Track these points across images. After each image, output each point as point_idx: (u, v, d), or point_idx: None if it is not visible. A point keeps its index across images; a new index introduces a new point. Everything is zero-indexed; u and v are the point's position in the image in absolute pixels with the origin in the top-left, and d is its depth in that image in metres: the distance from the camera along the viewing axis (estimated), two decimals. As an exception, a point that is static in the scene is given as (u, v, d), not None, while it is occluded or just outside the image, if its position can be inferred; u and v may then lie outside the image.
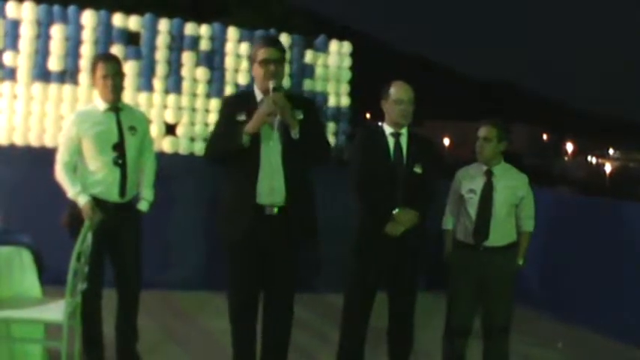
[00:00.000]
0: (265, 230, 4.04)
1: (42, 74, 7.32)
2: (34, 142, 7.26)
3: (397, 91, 4.60)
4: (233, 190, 4.12)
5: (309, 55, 8.16)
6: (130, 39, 7.64)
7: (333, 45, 8.28)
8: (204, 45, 7.78)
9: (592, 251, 6.96)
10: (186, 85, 7.72)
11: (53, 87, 7.35)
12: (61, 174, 4.62)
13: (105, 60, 4.76)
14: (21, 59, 7.28)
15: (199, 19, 8.10)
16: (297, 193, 4.07)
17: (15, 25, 7.27)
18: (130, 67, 7.33)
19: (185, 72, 7.72)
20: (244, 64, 7.77)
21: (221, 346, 4.73)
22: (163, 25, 7.68)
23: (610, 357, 6.24)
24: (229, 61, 7.85)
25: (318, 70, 8.18)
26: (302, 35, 8.33)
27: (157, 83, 7.63)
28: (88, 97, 7.17)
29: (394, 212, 4.45)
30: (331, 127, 8.19)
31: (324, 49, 8.25)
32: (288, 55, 7.93)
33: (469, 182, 4.85)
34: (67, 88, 7.36)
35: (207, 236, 6.92)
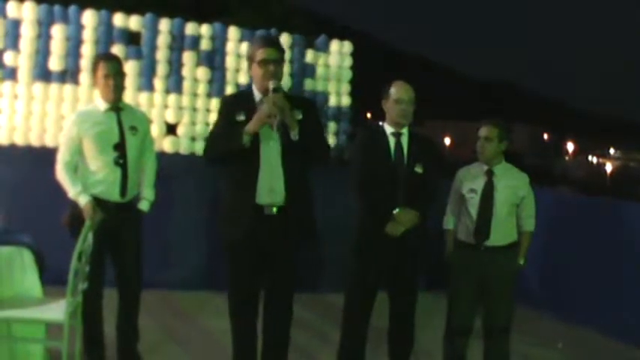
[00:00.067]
0: (265, 230, 4.04)
1: (43, 74, 7.32)
2: (34, 142, 7.26)
3: (397, 90, 4.60)
4: (233, 191, 4.13)
5: (309, 55, 8.16)
6: (131, 39, 7.64)
7: (334, 45, 8.29)
8: (204, 45, 7.78)
9: (592, 251, 6.96)
10: (187, 84, 7.72)
11: (54, 87, 7.35)
12: (61, 174, 4.62)
13: (106, 60, 4.76)
14: (22, 59, 7.28)
15: (200, 19, 8.09)
16: (297, 194, 4.08)
17: (16, 24, 7.27)
18: (130, 67, 7.33)
19: (186, 72, 7.72)
20: (245, 64, 7.77)
21: (221, 345, 4.73)
22: (164, 24, 7.68)
23: (610, 357, 6.24)
24: (230, 61, 7.85)
25: (319, 70, 8.18)
26: (303, 35, 8.33)
27: (158, 83, 7.63)
28: (88, 96, 7.17)
29: (394, 212, 4.45)
30: (332, 126, 8.19)
31: (324, 48, 8.25)
32: (288, 55, 7.95)
33: (470, 182, 4.86)
34: (68, 87, 7.37)
35: (207, 236, 6.92)
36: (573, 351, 6.25)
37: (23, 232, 4.67)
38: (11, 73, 7.26)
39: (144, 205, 4.83)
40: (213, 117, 7.55)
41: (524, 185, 4.89)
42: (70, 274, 4.07)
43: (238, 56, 7.83)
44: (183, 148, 7.65)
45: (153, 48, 7.61)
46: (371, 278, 4.58)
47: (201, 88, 7.78)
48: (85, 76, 7.32)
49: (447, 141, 73.60)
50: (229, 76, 7.85)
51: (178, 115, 7.70)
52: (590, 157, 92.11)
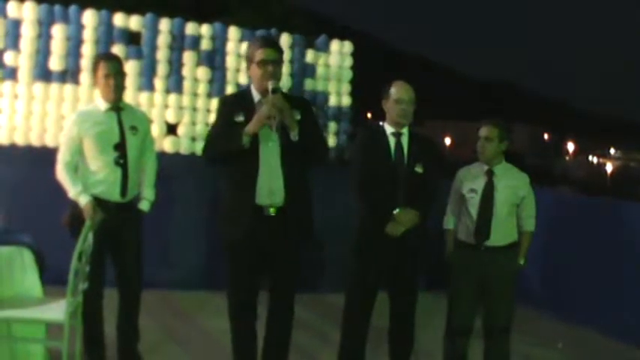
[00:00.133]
0: (265, 231, 4.05)
1: (43, 74, 7.32)
2: (35, 141, 7.26)
3: (397, 90, 4.60)
4: (232, 191, 4.13)
5: (310, 55, 8.16)
6: (131, 39, 7.64)
7: (334, 45, 8.28)
8: (205, 45, 7.78)
9: (593, 251, 6.96)
10: (187, 84, 7.72)
11: (54, 87, 7.35)
12: (62, 174, 4.62)
13: (106, 59, 4.76)
14: (22, 59, 7.28)
15: (200, 19, 8.09)
16: (296, 194, 4.08)
17: (16, 24, 7.27)
18: (131, 67, 7.33)
19: (186, 71, 7.72)
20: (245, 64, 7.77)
21: (221, 345, 4.73)
22: (164, 24, 7.68)
23: (610, 357, 6.24)
24: (230, 61, 7.85)
25: (319, 70, 8.18)
26: (303, 35, 8.33)
27: (158, 83, 7.63)
28: (89, 96, 7.17)
29: (395, 212, 4.45)
30: (332, 126, 8.19)
31: (325, 48, 8.25)
32: (289, 55, 7.96)
33: (470, 182, 4.86)
34: (68, 87, 7.37)
35: (207, 236, 6.92)
36: (573, 351, 6.25)
37: (23, 232, 4.67)
38: (12, 73, 7.26)
39: (144, 205, 4.83)
40: (213, 117, 7.54)
41: (525, 185, 4.89)
42: (70, 274, 4.07)
43: (238, 56, 7.83)
44: (184, 148, 7.65)
45: (153, 48, 7.61)
46: (371, 278, 4.58)
47: (202, 88, 7.78)
48: (85, 76, 7.32)
49: (448, 141, 73.60)
50: (229, 76, 7.85)
51: (179, 115, 7.70)
52: (590, 157, 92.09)
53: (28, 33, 7.27)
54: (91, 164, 4.63)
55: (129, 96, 7.14)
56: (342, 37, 8.48)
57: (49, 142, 7.21)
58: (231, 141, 3.98)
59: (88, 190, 4.58)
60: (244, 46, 7.80)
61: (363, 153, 4.63)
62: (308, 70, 8.14)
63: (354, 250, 4.62)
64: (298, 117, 4.04)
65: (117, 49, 7.27)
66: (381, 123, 4.78)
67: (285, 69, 7.89)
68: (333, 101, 8.25)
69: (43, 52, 7.33)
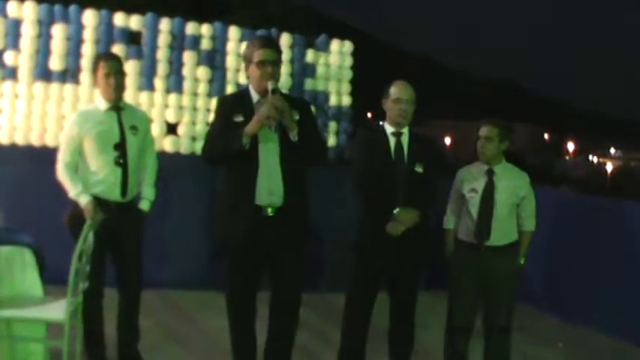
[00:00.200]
0: (264, 231, 4.05)
1: (43, 74, 7.32)
2: (35, 141, 7.26)
3: (397, 90, 4.61)
4: (232, 191, 4.12)
5: (310, 55, 8.15)
6: (132, 38, 7.63)
7: (334, 44, 8.28)
8: (205, 44, 7.78)
9: (593, 251, 6.97)
10: (187, 84, 7.72)
11: (54, 86, 7.34)
12: (62, 174, 4.63)
13: (106, 59, 4.77)
14: (22, 58, 7.28)
15: (200, 19, 8.09)
16: (295, 194, 4.08)
17: (16, 24, 7.27)
18: (131, 67, 7.33)
19: (186, 71, 7.72)
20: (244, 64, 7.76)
21: (221, 345, 4.73)
22: (164, 24, 7.68)
23: (610, 356, 6.24)
24: (230, 61, 7.84)
25: (320, 70, 8.18)
26: (303, 35, 8.32)
27: (158, 82, 7.63)
28: (89, 96, 7.17)
29: (395, 212, 4.45)
30: (332, 126, 8.19)
31: (325, 48, 8.24)
32: (289, 55, 7.95)
33: (470, 182, 4.86)
34: (69, 87, 7.36)
35: (207, 236, 6.92)
36: (573, 350, 6.25)
37: (24, 232, 4.67)
38: (12, 73, 7.26)
39: (144, 205, 4.84)
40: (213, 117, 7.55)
41: (525, 185, 4.90)
42: (70, 273, 4.08)
43: (239, 56, 7.83)
44: (184, 148, 7.65)
45: (153, 47, 7.60)
46: (371, 278, 4.59)
47: (202, 88, 7.77)
48: (85, 76, 7.32)
49: (448, 141, 73.58)
50: (230, 75, 7.85)
51: (179, 114, 7.70)
52: (590, 157, 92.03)
53: (28, 32, 7.27)
54: (91, 164, 4.63)
55: (129, 96, 7.13)
56: (342, 37, 8.47)
57: (50, 142, 7.21)
58: (231, 141, 3.98)
59: (88, 190, 4.59)
60: (244, 45, 7.80)
61: (363, 152, 4.64)
62: (308, 70, 8.14)
63: (354, 249, 4.62)
64: (297, 117, 4.05)
65: (117, 49, 7.26)
66: (381, 123, 4.79)
67: (286, 69, 7.89)
68: (333, 101, 8.24)
69: (43, 51, 7.33)
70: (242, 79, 7.81)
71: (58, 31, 7.34)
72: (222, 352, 4.75)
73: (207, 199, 6.67)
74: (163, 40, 7.64)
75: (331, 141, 8.11)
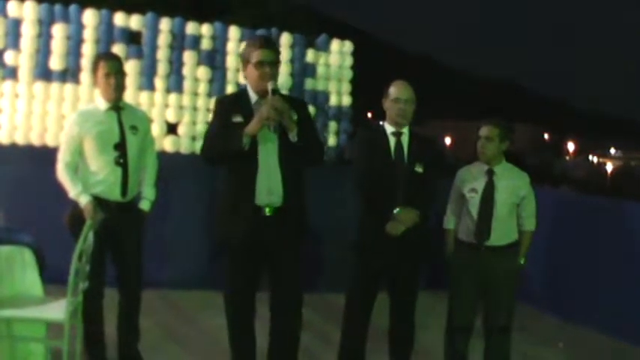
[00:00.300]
0: (264, 231, 4.05)
1: (43, 73, 7.32)
2: (35, 141, 7.26)
3: (396, 90, 4.61)
4: (231, 191, 4.12)
5: (310, 55, 8.15)
6: (132, 38, 7.63)
7: (335, 44, 8.28)
8: (205, 44, 7.78)
9: (593, 251, 6.97)
10: (187, 84, 7.72)
11: (55, 86, 7.35)
12: (62, 174, 4.63)
13: (106, 58, 4.77)
14: (22, 58, 7.28)
15: (201, 19, 8.09)
16: (294, 194, 4.08)
17: (16, 24, 7.27)
18: (131, 66, 7.33)
19: (186, 71, 7.72)
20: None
21: (221, 345, 4.73)
22: (165, 24, 7.68)
23: (610, 356, 6.24)
24: (231, 61, 7.84)
25: (320, 70, 8.18)
26: (303, 34, 8.32)
27: (159, 82, 7.63)
28: (89, 96, 7.17)
29: (395, 212, 4.46)
30: (333, 126, 8.19)
31: (325, 48, 8.24)
32: (289, 55, 7.95)
33: (471, 182, 4.86)
34: (69, 87, 7.37)
35: (207, 236, 6.91)
36: (573, 350, 6.26)
37: (24, 232, 4.68)
38: (12, 73, 7.26)
39: (145, 205, 4.84)
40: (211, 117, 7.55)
41: (525, 185, 4.90)
42: (70, 273, 4.08)
43: (239, 56, 7.81)
44: (184, 148, 7.65)
45: (153, 47, 7.61)
46: (371, 278, 4.59)
47: (202, 88, 7.77)
48: (85, 76, 7.32)
49: (448, 141, 73.58)
50: (230, 75, 7.85)
51: (179, 114, 7.70)
52: (590, 157, 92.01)
53: (28, 32, 7.27)
54: (91, 164, 4.63)
55: (129, 95, 7.13)
56: (342, 37, 8.47)
57: (50, 142, 7.21)
58: (230, 142, 3.98)
59: (88, 190, 4.59)
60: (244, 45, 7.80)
61: (363, 152, 4.64)
62: (308, 70, 8.14)
63: (354, 249, 4.62)
64: (295, 117, 4.05)
65: (117, 49, 7.26)
66: (381, 123, 4.79)
67: (286, 68, 7.90)
68: (333, 101, 8.24)
69: (43, 51, 7.33)
70: (242, 79, 7.81)
71: (58, 30, 7.34)
72: (221, 352, 4.75)
73: (208, 199, 6.66)
74: (163, 39, 7.64)
75: (331, 141, 8.11)
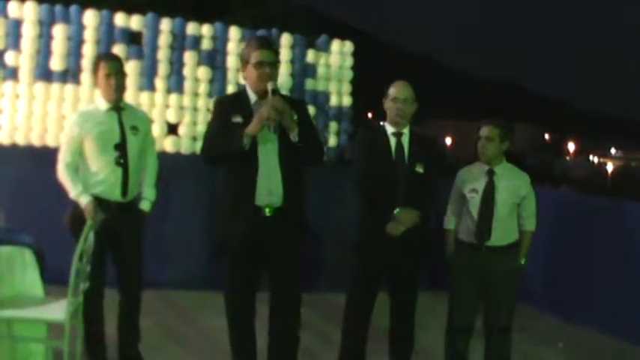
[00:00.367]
0: (264, 231, 4.05)
1: (44, 74, 7.32)
2: (36, 141, 7.27)
3: (394, 89, 4.62)
4: (231, 191, 4.12)
5: (310, 55, 8.15)
6: (132, 38, 7.64)
7: (335, 44, 8.28)
8: (205, 44, 7.78)
9: (593, 251, 6.97)
10: (188, 84, 7.72)
11: (55, 87, 7.35)
12: (63, 174, 4.63)
13: (107, 59, 4.77)
14: (23, 59, 7.28)
15: (201, 19, 8.09)
16: (294, 194, 4.08)
17: (17, 24, 7.27)
18: (131, 67, 7.33)
19: (187, 71, 7.72)
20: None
21: (221, 345, 4.73)
22: (165, 24, 7.68)
23: (610, 356, 6.24)
24: (231, 61, 7.85)
25: (320, 70, 8.18)
26: (304, 35, 8.32)
27: (159, 83, 7.64)
28: (90, 96, 7.17)
29: (395, 212, 4.46)
30: (333, 126, 8.19)
31: (325, 48, 8.25)
32: (289, 55, 7.96)
33: (471, 182, 4.87)
34: (69, 87, 7.37)
35: (208, 236, 6.91)
36: (574, 350, 6.26)
37: (24, 232, 4.68)
38: (13, 73, 7.27)
39: (145, 205, 4.84)
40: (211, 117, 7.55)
41: (525, 185, 4.90)
42: (71, 273, 4.08)
43: (239, 56, 7.83)
44: (185, 148, 7.66)
45: (154, 48, 7.61)
46: (371, 278, 4.59)
47: (203, 88, 7.78)
48: (86, 76, 7.32)
49: (448, 141, 73.60)
50: (230, 75, 7.86)
51: (179, 114, 7.70)
52: (591, 157, 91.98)
53: (29, 33, 7.27)
54: (91, 164, 4.63)
55: (130, 96, 7.14)
56: (342, 37, 8.48)
57: (50, 142, 7.21)
58: (230, 142, 3.98)
59: (88, 190, 4.59)
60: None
61: (364, 152, 4.64)
62: (309, 70, 8.14)
63: (354, 249, 4.62)
64: (295, 117, 4.05)
65: (118, 49, 7.27)
66: (381, 123, 4.79)
67: (286, 69, 7.90)
68: (333, 101, 8.25)
69: (44, 52, 7.33)
70: (243, 80, 7.81)
71: (58, 31, 7.35)
72: (222, 352, 4.76)
73: (208, 200, 6.67)
74: (164, 40, 7.64)
75: (332, 141, 8.11)
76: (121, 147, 4.65)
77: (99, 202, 4.59)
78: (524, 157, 40.59)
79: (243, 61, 4.18)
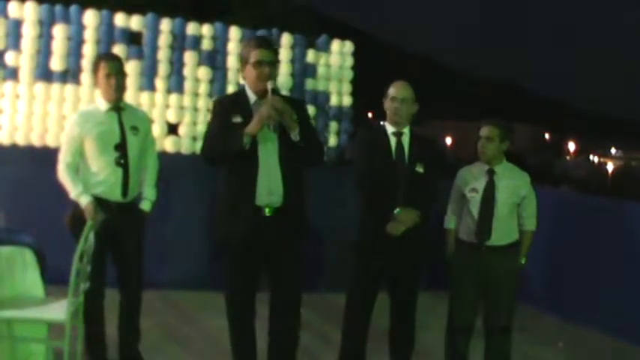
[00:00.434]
0: (264, 231, 4.05)
1: (44, 74, 7.32)
2: (36, 141, 7.27)
3: (392, 89, 4.63)
4: (232, 191, 4.12)
5: (310, 55, 8.15)
6: (132, 39, 7.63)
7: (335, 44, 8.28)
8: (206, 44, 7.78)
9: (593, 250, 6.97)
10: (188, 84, 7.72)
11: (55, 87, 7.35)
12: (63, 174, 4.63)
13: (107, 59, 4.77)
14: (23, 59, 7.28)
15: (201, 19, 8.09)
16: (294, 194, 4.09)
17: (17, 24, 7.27)
18: (132, 67, 7.33)
19: (187, 71, 7.72)
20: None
21: (221, 345, 4.74)
22: (165, 24, 7.68)
23: (611, 356, 6.24)
24: (231, 61, 7.84)
25: (320, 70, 8.18)
26: (304, 35, 8.32)
27: (159, 83, 7.63)
28: (90, 96, 7.17)
29: (395, 212, 4.46)
30: (333, 126, 8.19)
31: (325, 48, 8.25)
32: (290, 55, 7.96)
33: (471, 181, 4.87)
34: (70, 87, 7.37)
35: (208, 236, 6.92)
36: (574, 350, 6.26)
37: (24, 232, 4.68)
38: (13, 73, 7.26)
39: (145, 205, 4.84)
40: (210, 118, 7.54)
41: (526, 185, 4.90)
42: (71, 274, 4.08)
43: (238, 56, 7.82)
44: (185, 148, 7.66)
45: (154, 48, 7.61)
46: (372, 278, 4.59)
47: (203, 88, 7.78)
48: (86, 76, 7.32)
49: (448, 141, 73.61)
50: (231, 75, 7.85)
51: (180, 114, 7.70)
52: (591, 157, 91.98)
53: (29, 33, 7.27)
54: (92, 165, 4.64)
55: (130, 96, 7.13)
56: (343, 37, 8.48)
57: (50, 143, 7.21)
58: (231, 142, 3.98)
59: (89, 191, 4.59)
60: (243, 46, 7.79)
61: (364, 152, 4.64)
62: (309, 70, 8.14)
63: (354, 249, 4.63)
64: (295, 117, 4.05)
65: (118, 49, 7.27)
66: (382, 123, 4.79)
67: (286, 69, 7.91)
68: (334, 101, 8.24)
69: (44, 52, 7.33)
70: (242, 80, 7.81)
71: (58, 31, 7.34)
72: (222, 352, 4.76)
73: (208, 200, 6.67)
74: (164, 40, 7.64)
75: (332, 141, 8.11)
76: (121, 147, 4.65)
77: (99, 202, 4.59)
78: (526, 158, 40.60)
79: (243, 60, 4.18)
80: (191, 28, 7.75)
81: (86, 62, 7.33)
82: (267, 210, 4.04)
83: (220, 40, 7.85)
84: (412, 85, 4.67)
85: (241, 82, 7.77)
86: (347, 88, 8.33)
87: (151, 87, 7.61)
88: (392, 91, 4.62)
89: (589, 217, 7.20)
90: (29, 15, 7.28)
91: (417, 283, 4.70)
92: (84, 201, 4.56)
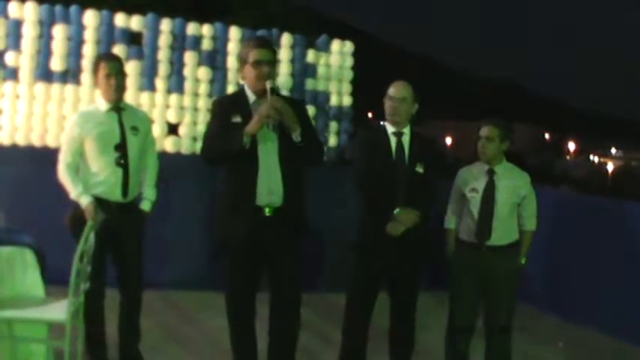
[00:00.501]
0: (264, 231, 4.05)
1: (44, 74, 7.32)
2: (36, 142, 7.27)
3: (392, 89, 4.63)
4: (232, 191, 4.12)
5: (310, 55, 8.15)
6: (133, 39, 7.63)
7: (335, 44, 8.28)
8: (206, 45, 7.78)
9: (593, 250, 6.97)
10: (188, 84, 7.72)
11: (55, 87, 7.35)
12: (63, 175, 4.63)
13: (107, 59, 4.77)
14: (23, 59, 7.28)
15: (201, 19, 8.09)
16: (294, 194, 4.09)
17: (17, 25, 7.27)
18: (132, 67, 7.33)
19: (187, 72, 7.73)
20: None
21: (221, 345, 4.74)
22: (165, 24, 7.68)
23: (611, 356, 6.24)
24: (231, 61, 7.84)
25: (320, 70, 8.18)
26: (304, 35, 8.32)
27: (159, 83, 7.64)
28: (90, 97, 7.17)
29: (395, 212, 4.46)
30: (333, 126, 8.19)
31: (326, 48, 8.25)
32: (290, 55, 7.96)
33: (471, 181, 4.87)
34: (70, 88, 7.37)
35: (208, 236, 6.92)
36: (574, 350, 6.26)
37: (25, 232, 4.68)
38: (13, 74, 7.26)
39: (146, 205, 4.84)
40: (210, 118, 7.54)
41: (526, 185, 4.91)
42: (71, 274, 4.08)
43: (238, 56, 7.82)
44: (185, 148, 7.66)
45: (154, 48, 7.61)
46: (372, 278, 4.59)
47: (203, 88, 7.78)
48: (86, 77, 7.33)
49: (448, 141, 73.61)
50: (231, 76, 7.85)
51: (180, 115, 7.71)
52: (591, 157, 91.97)
53: (29, 33, 7.27)
54: (92, 165, 4.64)
55: (130, 96, 7.13)
56: (343, 37, 8.48)
57: (51, 143, 7.21)
58: (230, 142, 3.98)
59: (89, 191, 4.60)
60: (243, 46, 7.79)
61: (364, 152, 4.64)
62: (309, 70, 8.14)
63: (354, 249, 4.63)
64: (296, 118, 4.05)
65: (118, 50, 7.27)
66: (382, 123, 4.79)
67: (286, 69, 7.91)
68: (334, 101, 8.24)
69: (44, 52, 7.33)
70: (241, 80, 7.81)
71: (59, 31, 7.35)
72: (222, 352, 4.76)
73: (208, 200, 6.67)
74: (164, 40, 7.64)
75: (332, 141, 8.11)
76: (122, 147, 4.65)
77: (99, 202, 4.59)
78: (526, 158, 40.61)
79: (242, 60, 4.18)
80: (191, 28, 7.75)
81: (86, 62, 7.33)
82: (267, 210, 4.04)
83: (220, 40, 7.85)
84: (412, 85, 4.67)
85: (241, 82, 7.80)
86: (347, 88, 8.33)
87: (151, 87, 7.61)
88: (391, 90, 4.62)
89: (589, 217, 7.21)
90: (29, 15, 7.28)
91: (417, 283, 4.70)
92: (84, 201, 4.56)
